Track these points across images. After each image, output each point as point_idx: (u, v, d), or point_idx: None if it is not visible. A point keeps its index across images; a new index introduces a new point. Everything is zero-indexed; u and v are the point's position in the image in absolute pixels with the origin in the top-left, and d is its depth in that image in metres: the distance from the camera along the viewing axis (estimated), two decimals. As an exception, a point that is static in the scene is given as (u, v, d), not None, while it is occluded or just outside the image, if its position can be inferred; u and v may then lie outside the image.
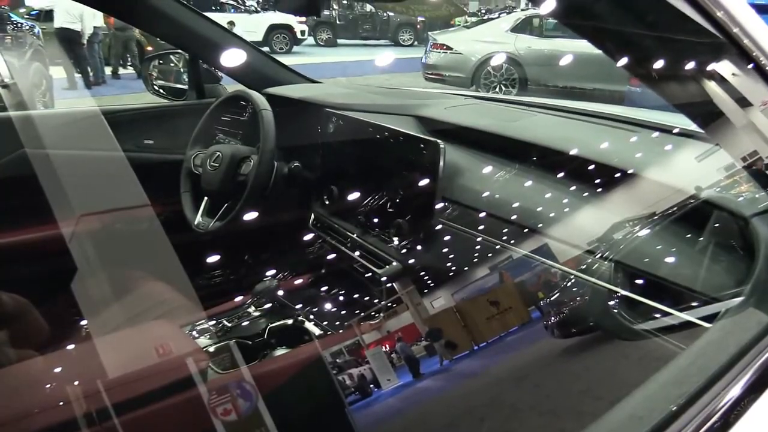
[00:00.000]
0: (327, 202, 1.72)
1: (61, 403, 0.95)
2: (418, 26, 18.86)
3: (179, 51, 2.21)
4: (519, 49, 9.46)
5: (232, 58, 2.11)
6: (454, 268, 1.43)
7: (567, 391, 1.13)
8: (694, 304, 1.00)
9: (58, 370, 1.05)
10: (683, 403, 0.72)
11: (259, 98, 1.71)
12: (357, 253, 1.53)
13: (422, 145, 1.45)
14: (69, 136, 1.93)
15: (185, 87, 2.24)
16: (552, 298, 1.30)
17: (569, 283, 1.28)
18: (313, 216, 1.77)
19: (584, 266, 1.19)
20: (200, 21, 2.03)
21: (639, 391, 0.78)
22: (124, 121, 2.05)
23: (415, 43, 18.04)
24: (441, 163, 1.37)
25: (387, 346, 1.33)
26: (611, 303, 1.09)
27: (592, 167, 1.33)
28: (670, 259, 1.16)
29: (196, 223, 1.77)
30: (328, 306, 1.64)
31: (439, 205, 1.38)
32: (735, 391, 0.73)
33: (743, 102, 1.01)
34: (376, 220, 1.54)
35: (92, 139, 1.94)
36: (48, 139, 1.84)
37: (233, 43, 2.11)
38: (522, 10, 12.24)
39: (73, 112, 2.10)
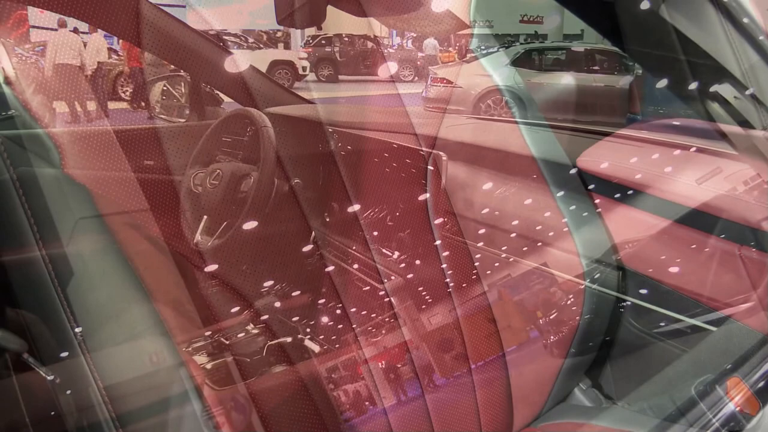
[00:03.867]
0: (328, 219, 1.72)
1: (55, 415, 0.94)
2: (418, 62, 19.07)
3: (181, 73, 2.23)
4: (518, 82, 9.55)
5: (234, 80, 2.13)
6: (452, 283, 1.42)
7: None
8: (701, 310, 0.98)
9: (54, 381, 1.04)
10: (678, 404, 0.70)
11: (260, 116, 1.72)
12: (356, 266, 1.52)
13: (424, 158, 1.44)
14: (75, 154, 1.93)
15: (187, 110, 2.25)
16: (551, 317, 1.29)
17: (568, 301, 1.27)
18: (313, 233, 1.76)
19: (589, 278, 1.18)
20: (203, 43, 2.05)
21: (631, 393, 0.77)
22: (123, 142, 2.05)
23: (416, 78, 18.21)
24: (443, 176, 1.37)
25: (384, 362, 1.31)
26: (619, 312, 1.08)
27: (594, 180, 1.33)
28: (678, 267, 1.15)
29: (195, 241, 1.76)
30: (328, 322, 1.62)
31: (440, 220, 1.37)
32: (736, 391, 0.71)
33: (746, 125, 1.01)
34: (376, 234, 1.53)
35: (101, 158, 1.94)
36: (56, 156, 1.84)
37: (235, 65, 2.12)
38: (521, 44, 12.39)
39: (82, 130, 2.11)
